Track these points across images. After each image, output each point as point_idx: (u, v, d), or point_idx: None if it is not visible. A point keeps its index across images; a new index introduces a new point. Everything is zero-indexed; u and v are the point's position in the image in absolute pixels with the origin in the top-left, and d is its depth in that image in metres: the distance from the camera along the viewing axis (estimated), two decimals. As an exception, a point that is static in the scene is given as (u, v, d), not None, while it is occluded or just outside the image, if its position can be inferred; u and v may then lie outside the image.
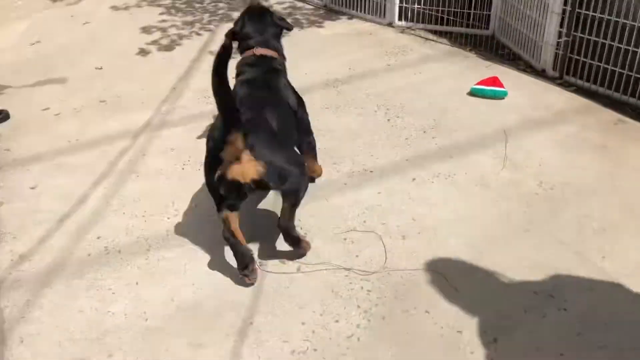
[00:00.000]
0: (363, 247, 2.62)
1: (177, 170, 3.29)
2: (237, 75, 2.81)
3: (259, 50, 2.80)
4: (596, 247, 2.53)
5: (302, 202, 2.87)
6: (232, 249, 2.48)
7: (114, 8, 5.97)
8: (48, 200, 3.11)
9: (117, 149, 3.51)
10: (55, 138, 3.70)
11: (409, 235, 2.67)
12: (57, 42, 5.22)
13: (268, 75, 2.75)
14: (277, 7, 5.69)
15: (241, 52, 2.90)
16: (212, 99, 3.69)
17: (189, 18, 5.57)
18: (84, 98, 4.19)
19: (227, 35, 2.87)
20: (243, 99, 2.56)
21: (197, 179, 3.17)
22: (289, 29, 3.06)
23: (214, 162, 2.37)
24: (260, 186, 2.37)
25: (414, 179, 3.06)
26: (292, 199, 2.48)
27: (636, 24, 3.44)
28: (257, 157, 2.29)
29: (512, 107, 3.67)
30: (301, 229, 2.75)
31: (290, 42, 4.87)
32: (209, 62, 4.59)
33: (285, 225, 2.50)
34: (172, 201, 3.02)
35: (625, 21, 3.50)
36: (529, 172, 3.05)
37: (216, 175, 2.35)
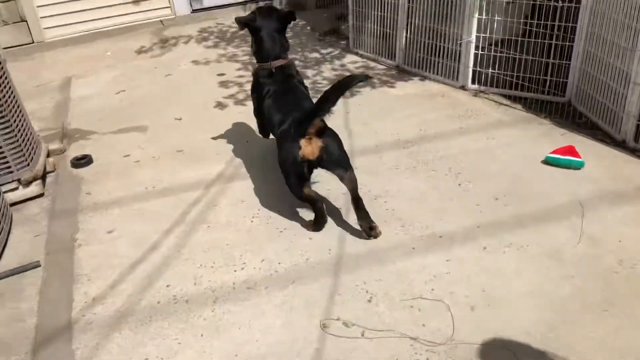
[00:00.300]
0: (430, 316, 2.56)
1: (247, 222, 3.35)
2: (260, 85, 3.63)
3: (276, 63, 3.58)
4: (683, 336, 2.37)
5: (367, 263, 2.87)
6: (316, 208, 3.19)
7: (195, 62, 6.28)
8: (123, 245, 3.23)
9: (190, 198, 3.63)
10: (134, 184, 3.87)
11: (478, 307, 2.59)
12: (140, 92, 5.53)
13: (288, 83, 3.57)
14: (351, 67, 5.83)
15: (257, 51, 3.66)
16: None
17: (265, 73, 5.77)
18: (163, 147, 4.38)
19: (237, 22, 3.63)
20: (282, 105, 3.41)
21: (266, 232, 3.24)
22: (294, 19, 3.67)
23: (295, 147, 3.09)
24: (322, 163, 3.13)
25: (484, 248, 2.99)
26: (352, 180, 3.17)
27: None
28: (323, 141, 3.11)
29: (589, 178, 3.55)
30: (367, 292, 2.73)
31: (362, 101, 4.97)
32: (282, 117, 4.74)
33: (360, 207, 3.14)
34: (241, 254, 3.07)
35: None
36: (607, 248, 2.91)
37: (300, 155, 3.06)
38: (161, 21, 7.83)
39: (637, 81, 3.72)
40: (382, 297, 2.69)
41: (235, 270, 2.96)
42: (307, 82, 5.46)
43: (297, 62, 6.08)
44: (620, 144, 3.90)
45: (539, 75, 4.68)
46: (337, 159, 3.14)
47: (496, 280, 2.75)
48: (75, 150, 4.43)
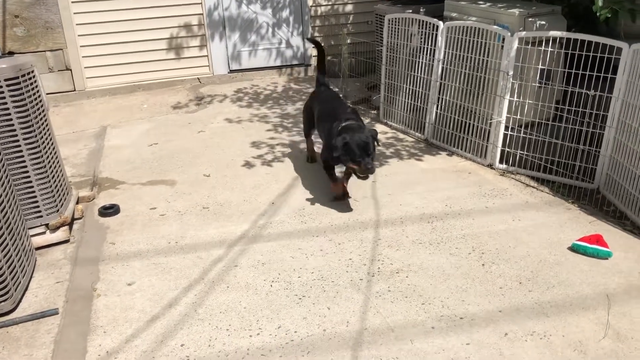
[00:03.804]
0: (447, 402, 2.48)
1: (266, 286, 3.34)
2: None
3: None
4: None
5: (385, 340, 2.83)
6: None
7: (228, 120, 6.44)
8: (141, 299, 3.23)
9: (212, 257, 3.64)
10: (157, 238, 3.91)
11: (498, 397, 2.50)
12: (172, 146, 5.66)
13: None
14: (381, 137, 5.90)
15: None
16: (308, 218, 3.83)
17: (296, 138, 5.88)
18: (189, 202, 4.44)
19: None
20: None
21: (285, 298, 3.21)
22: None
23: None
24: None
25: (506, 334, 2.91)
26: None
27: None
28: None
29: (617, 269, 3.48)
30: (383, 370, 2.66)
31: (389, 173, 5.01)
32: (309, 180, 4.80)
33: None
34: (257, 319, 3.04)
35: None
36: (635, 345, 2.82)
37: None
38: (199, 79, 8.10)
39: (668, 175, 3.70)
40: (399, 378, 2.62)
41: (250, 336, 2.92)
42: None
43: (327, 128, 6.19)
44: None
45: (568, 160, 4.68)
46: None
47: (517, 370, 2.67)
48: (104, 199, 4.52)
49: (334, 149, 4.02)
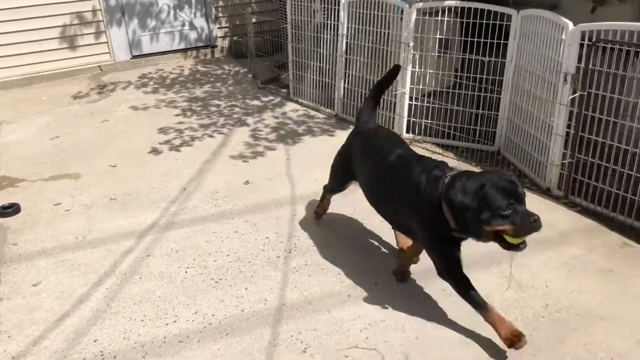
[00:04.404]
0: (364, 365, 2.55)
1: (181, 273, 3.28)
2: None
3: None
4: (605, 379, 2.45)
5: (303, 313, 2.86)
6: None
7: (133, 107, 6.22)
8: (49, 299, 3.08)
9: (122, 249, 3.53)
10: (63, 234, 3.74)
11: (412, 356, 2.60)
12: (75, 138, 5.40)
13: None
14: (292, 115, 5.91)
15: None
16: (222, 201, 3.79)
17: (205, 121, 5.78)
18: (95, 195, 4.27)
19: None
20: None
21: (201, 283, 3.17)
22: None
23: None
24: None
25: (419, 296, 3.02)
26: None
27: (637, 150, 3.54)
28: None
29: (518, 224, 3.68)
30: (302, 342, 2.70)
31: (303, 148, 5.02)
32: (221, 164, 4.73)
33: None
34: (173, 306, 2.99)
35: (626, 147, 3.60)
36: (534, 293, 3.01)
37: None
38: (100, 67, 7.75)
39: (558, 132, 3.94)
40: (317, 348, 2.67)
41: (167, 324, 2.87)
42: (248, 130, 5.51)
43: (238, 109, 6.13)
44: (545, 192, 4.09)
45: (470, 125, 4.88)
46: None
47: (429, 328, 2.78)
48: (3, 198, 4.25)
49: (460, 208, 2.50)
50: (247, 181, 4.40)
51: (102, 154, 5.00)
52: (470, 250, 3.39)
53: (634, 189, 3.59)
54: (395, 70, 3.53)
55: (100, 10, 7.58)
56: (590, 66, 3.69)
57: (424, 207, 2.67)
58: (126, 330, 2.83)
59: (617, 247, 3.42)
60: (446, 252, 2.74)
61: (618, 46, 3.58)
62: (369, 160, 3.14)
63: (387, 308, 2.93)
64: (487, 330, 2.71)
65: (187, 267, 3.33)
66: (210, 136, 5.36)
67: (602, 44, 3.62)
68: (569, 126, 3.90)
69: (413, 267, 3.19)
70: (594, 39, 3.65)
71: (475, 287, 3.05)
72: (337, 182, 3.56)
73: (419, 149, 4.94)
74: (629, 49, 3.57)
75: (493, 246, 3.39)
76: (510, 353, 2.58)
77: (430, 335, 2.73)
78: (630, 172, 3.59)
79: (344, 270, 3.24)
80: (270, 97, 6.52)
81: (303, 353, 2.64)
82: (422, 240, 2.87)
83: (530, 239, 3.50)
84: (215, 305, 2.99)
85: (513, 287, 3.06)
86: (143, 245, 3.57)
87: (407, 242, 3.19)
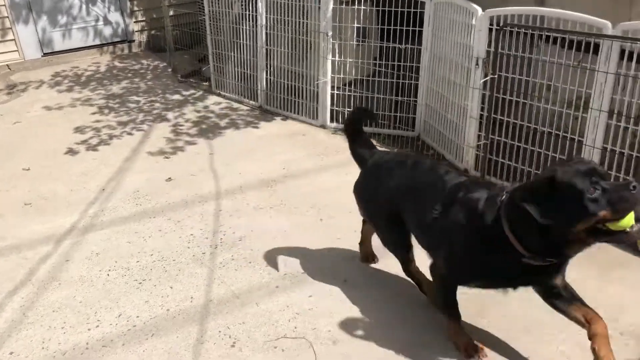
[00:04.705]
0: (293, 355, 2.56)
1: (102, 276, 3.17)
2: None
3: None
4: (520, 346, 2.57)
5: (231, 308, 2.83)
6: None
7: (47, 108, 5.93)
8: (-43, 313, 2.90)
9: (39, 255, 3.37)
10: (-28, 244, 3.52)
11: (340, 340, 2.64)
12: (-17, 142, 5.10)
13: None
14: (215, 108, 5.82)
15: None
16: (144, 200, 3.67)
17: (123, 118, 5.59)
18: (8, 200, 4.05)
19: None
20: None
21: (124, 285, 3.08)
22: None
23: None
24: None
25: (345, 280, 3.06)
26: None
27: (545, 129, 3.72)
28: None
29: (439, 206, 3.80)
30: (230, 337, 2.67)
31: (226, 142, 4.96)
32: (142, 162, 4.60)
33: None
34: (95, 311, 2.88)
35: (535, 126, 3.78)
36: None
37: None
38: (8, 66, 7.33)
39: (472, 115, 4.09)
40: (246, 341, 2.65)
41: (89, 329, 2.77)
42: (169, 125, 5.38)
43: (158, 105, 5.98)
44: (463, 173, 4.23)
45: (391, 112, 4.98)
46: None
47: (357, 312, 2.82)
48: None
49: (532, 221, 1.97)
50: (170, 178, 4.30)
51: (14, 157, 4.74)
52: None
53: (544, 165, 3.78)
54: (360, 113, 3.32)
55: (4, 6, 7.15)
56: (500, 50, 3.84)
57: (477, 241, 2.21)
58: (45, 340, 2.70)
59: (530, 222, 3.59)
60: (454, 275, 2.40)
61: (523, 30, 3.74)
62: (412, 196, 2.55)
63: (314, 296, 2.95)
64: (415, 311, 2.79)
65: (109, 270, 3.22)
66: (129, 134, 5.19)
67: (509, 29, 3.78)
68: (482, 109, 4.05)
69: (332, 255, 3.24)
70: (501, 24, 3.79)
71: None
72: (399, 244, 2.80)
73: (344, 139, 4.98)
74: (533, 32, 3.75)
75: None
76: (432, 329, 2.66)
77: (358, 319, 2.77)
78: (540, 150, 3.77)
79: (271, 262, 3.24)
80: (192, 91, 6.39)
81: (232, 347, 2.62)
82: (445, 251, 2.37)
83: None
84: (140, 307, 2.91)
85: (436, 267, 3.16)
86: (61, 250, 3.42)
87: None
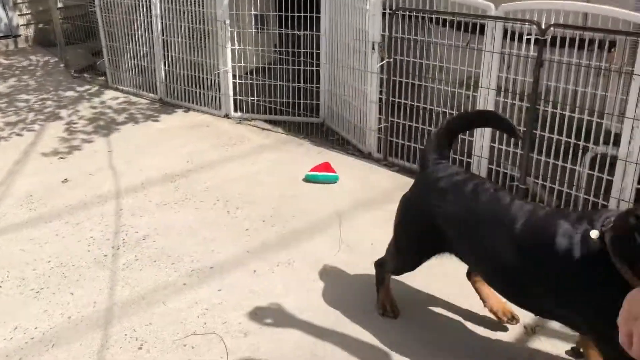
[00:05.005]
0: (204, 351, 2.51)
1: (-7, 289, 2.96)
2: None
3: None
4: (426, 320, 2.67)
5: (137, 309, 2.75)
6: None
7: None
8: None
9: None
10: None
11: (251, 332, 2.62)
12: None
13: None
14: (112, 103, 5.58)
15: None
16: (38, 204, 3.47)
17: (12, 118, 5.23)
18: None
19: None
20: None
21: (18, 295, 2.89)
22: None
23: None
24: None
25: (254, 271, 3.05)
26: None
27: (440, 109, 3.87)
28: None
29: (344, 190, 3.86)
30: (136, 339, 2.59)
31: (125, 137, 4.77)
32: (34, 164, 4.33)
33: None
34: (-14, 327, 2.69)
35: (431, 107, 3.92)
36: (362, 252, 3.18)
37: None
38: None
39: (372, 99, 4.17)
40: (154, 342, 2.57)
41: (-20, 347, 2.58)
42: (63, 123, 5.11)
43: (50, 103, 5.65)
44: (367, 156, 4.33)
45: (295, 100, 4.98)
46: None
47: (267, 302, 2.81)
48: None
49: None
50: (66, 179, 4.08)
51: None
52: (304, 219, 3.50)
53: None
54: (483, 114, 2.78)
55: None
56: (394, 34, 3.93)
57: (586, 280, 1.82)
58: None
59: (431, 199, 3.73)
60: None
61: (415, 13, 3.85)
62: (479, 227, 2.15)
63: (224, 290, 2.91)
64: (324, 296, 2.82)
65: (1, 281, 3.02)
66: (19, 135, 4.87)
67: (401, 12, 3.87)
68: (381, 92, 4.14)
69: (240, 246, 3.21)
70: (394, 8, 3.88)
71: (310, 255, 3.15)
72: (412, 262, 2.54)
73: (249, 128, 4.95)
74: (424, 15, 3.86)
75: (325, 213, 3.52)
76: (340, 311, 2.70)
77: (269, 309, 2.76)
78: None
79: (177, 259, 3.16)
80: (87, 87, 6.09)
81: (139, 350, 2.54)
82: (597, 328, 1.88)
83: (356, 201, 3.73)
84: (38, 317, 2.75)
85: (344, 250, 3.21)
86: (-56, 264, 3.16)
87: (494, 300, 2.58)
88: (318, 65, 4.81)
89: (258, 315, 2.73)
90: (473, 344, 2.52)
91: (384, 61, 3.99)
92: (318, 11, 4.66)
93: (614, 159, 3.20)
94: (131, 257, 3.19)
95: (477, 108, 3.63)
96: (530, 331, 2.55)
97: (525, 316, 2.52)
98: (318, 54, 4.79)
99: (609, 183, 3.25)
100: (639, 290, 1.03)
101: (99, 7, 5.72)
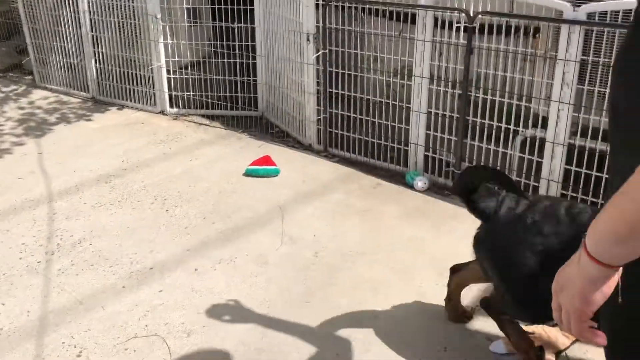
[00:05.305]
0: (146, 354, 2.46)
1: None
2: None
3: None
4: (369, 307, 2.70)
5: (74, 316, 2.67)
6: None
7: None
8: None
9: None
10: None
11: (194, 331, 2.58)
12: None
13: None
14: (41, 103, 5.36)
15: None
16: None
17: None
18: None
19: None
20: None
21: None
22: None
23: None
24: None
25: (196, 270, 3.00)
26: None
27: (377, 99, 3.91)
28: None
29: (285, 183, 3.86)
30: (75, 347, 2.50)
31: (56, 140, 4.60)
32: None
33: None
34: None
35: (368, 97, 3.96)
36: (304, 244, 3.19)
37: None
38: None
39: (309, 90, 4.17)
40: (93, 348, 2.50)
41: None
42: (-15, 127, 4.86)
43: (-28, 105, 5.36)
44: (307, 148, 4.33)
45: (232, 93, 4.92)
46: None
47: (209, 300, 2.78)
48: None
49: None
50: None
51: None
52: (245, 214, 3.48)
53: (379, 134, 3.98)
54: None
55: None
56: (328, 25, 3.94)
57: None
58: None
59: (371, 188, 3.78)
60: None
61: (347, 4, 3.86)
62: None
63: (165, 290, 2.85)
64: (265, 290, 2.81)
65: None
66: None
67: (334, 3, 3.88)
68: (318, 84, 4.14)
69: (180, 245, 3.16)
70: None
71: (252, 250, 3.14)
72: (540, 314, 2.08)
73: (186, 124, 4.85)
74: (356, 6, 3.89)
75: (266, 207, 3.50)
76: (284, 304, 2.71)
77: (211, 307, 2.73)
78: (374, 119, 3.96)
79: (115, 262, 3.07)
80: (13, 87, 5.82)
81: (78, 357, 2.46)
82: None
83: (297, 193, 3.73)
84: (-34, 331, 2.62)
85: (286, 243, 3.21)
86: None
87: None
88: (254, 57, 4.77)
89: (201, 314, 2.69)
90: (414, 329, 2.58)
91: (320, 52, 3.99)
92: (252, 3, 4.61)
93: (543, 142, 3.33)
94: (67, 262, 3.08)
95: (412, 96, 3.70)
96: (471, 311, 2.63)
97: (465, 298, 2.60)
98: (254, 47, 4.74)
99: (539, 165, 3.38)
100: (567, 264, 1.08)
101: (21, 3, 5.46)
